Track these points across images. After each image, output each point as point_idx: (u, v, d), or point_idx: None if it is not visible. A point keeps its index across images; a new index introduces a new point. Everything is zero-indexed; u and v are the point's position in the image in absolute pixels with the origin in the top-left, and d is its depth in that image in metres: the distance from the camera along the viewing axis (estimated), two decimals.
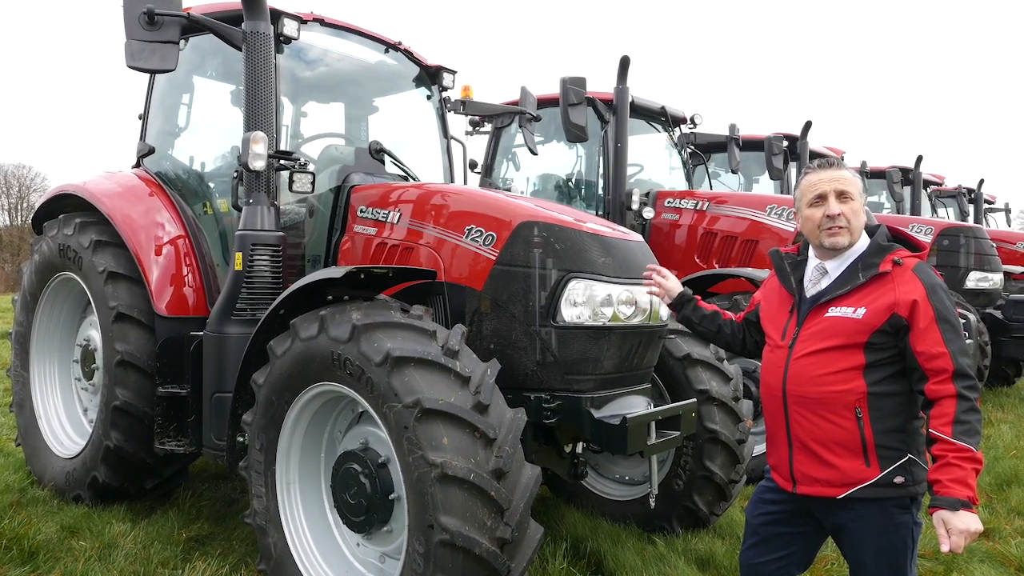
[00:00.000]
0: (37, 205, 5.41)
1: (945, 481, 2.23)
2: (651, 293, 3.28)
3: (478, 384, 2.91)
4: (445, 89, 5.45)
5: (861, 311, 2.42)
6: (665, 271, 3.24)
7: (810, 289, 2.61)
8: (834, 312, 2.48)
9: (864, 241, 2.55)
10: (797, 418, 2.52)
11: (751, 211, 6.70)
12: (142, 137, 5.22)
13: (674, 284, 3.17)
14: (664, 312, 3.75)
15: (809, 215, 2.57)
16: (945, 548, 2.19)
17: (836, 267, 2.56)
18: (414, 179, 4.90)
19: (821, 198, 2.53)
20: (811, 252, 2.67)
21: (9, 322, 8.61)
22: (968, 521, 2.18)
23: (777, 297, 2.74)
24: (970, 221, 13.06)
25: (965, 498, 2.19)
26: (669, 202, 7.26)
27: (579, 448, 3.81)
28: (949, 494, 2.21)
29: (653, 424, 3.44)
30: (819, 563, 4.15)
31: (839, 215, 2.50)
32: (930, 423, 2.30)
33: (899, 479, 2.39)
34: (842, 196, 2.51)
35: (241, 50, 4.03)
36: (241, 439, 3.58)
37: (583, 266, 3.41)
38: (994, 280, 8.95)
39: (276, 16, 4.24)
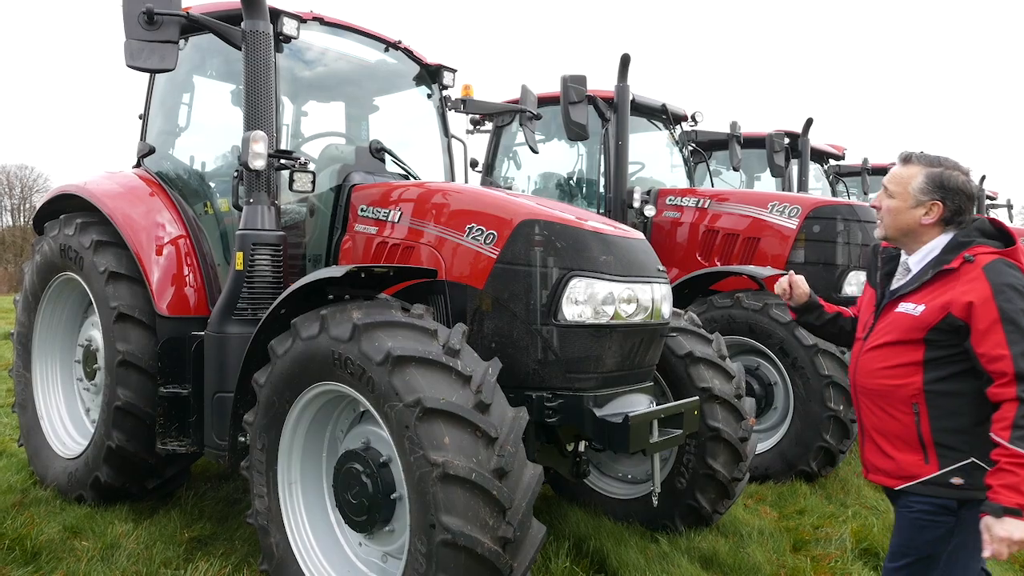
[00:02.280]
0: (39, 206, 5.40)
1: (996, 486, 2.19)
2: (776, 291, 3.08)
3: (479, 383, 2.90)
4: (445, 88, 5.44)
5: (920, 308, 2.42)
6: (799, 278, 3.03)
7: (894, 284, 2.63)
8: (901, 308, 2.50)
9: (946, 238, 2.52)
10: (864, 408, 2.60)
11: (753, 209, 6.69)
12: (142, 137, 5.22)
13: (804, 290, 3.03)
14: (666, 310, 3.74)
15: None
16: (985, 554, 2.19)
17: (916, 263, 2.56)
18: (415, 178, 4.90)
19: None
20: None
21: (11, 322, 8.61)
22: (1011, 529, 2.14)
23: (870, 292, 2.77)
24: None
25: (1013, 505, 2.15)
26: (670, 200, 7.25)
27: (581, 447, 3.80)
28: (996, 500, 2.18)
29: (655, 422, 3.44)
30: (822, 560, 4.15)
31: (878, 208, 2.60)
32: (991, 427, 2.25)
33: (957, 480, 2.34)
34: (886, 191, 2.60)
35: (241, 49, 4.02)
36: (243, 439, 3.58)
37: (584, 264, 3.40)
38: None
39: (275, 15, 4.24)
